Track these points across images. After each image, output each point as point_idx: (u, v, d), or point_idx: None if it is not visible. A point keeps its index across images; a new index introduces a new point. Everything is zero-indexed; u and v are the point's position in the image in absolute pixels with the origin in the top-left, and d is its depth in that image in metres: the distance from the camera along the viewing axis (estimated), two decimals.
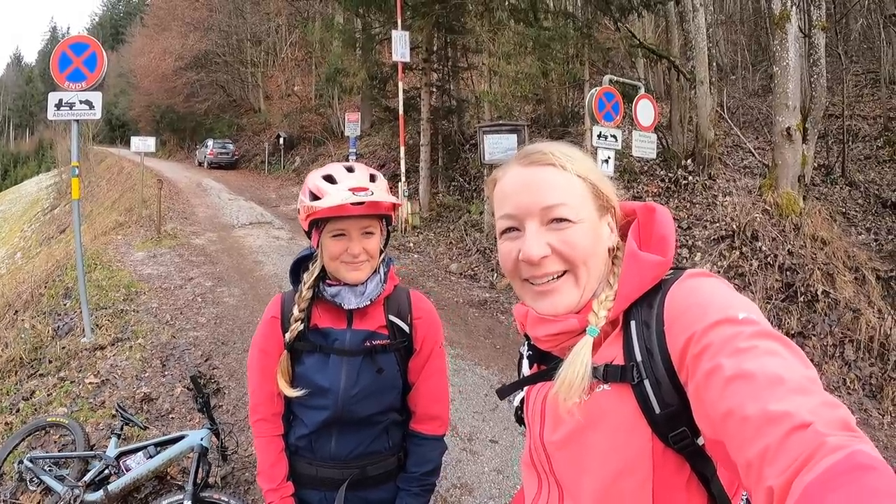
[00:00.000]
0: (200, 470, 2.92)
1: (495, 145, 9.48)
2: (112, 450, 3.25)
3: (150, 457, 3.14)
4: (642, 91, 8.28)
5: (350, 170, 1.52)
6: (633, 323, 0.84)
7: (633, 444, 0.80)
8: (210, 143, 27.59)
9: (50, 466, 3.41)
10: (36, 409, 4.54)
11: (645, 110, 7.82)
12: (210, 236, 11.49)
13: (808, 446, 0.57)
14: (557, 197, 0.88)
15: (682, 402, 0.76)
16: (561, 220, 0.88)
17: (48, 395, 4.72)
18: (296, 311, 1.55)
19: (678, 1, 9.28)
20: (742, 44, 15.13)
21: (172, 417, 4.38)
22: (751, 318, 0.72)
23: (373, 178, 1.52)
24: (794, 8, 6.74)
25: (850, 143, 9.22)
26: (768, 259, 6.44)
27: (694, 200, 8.52)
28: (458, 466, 3.73)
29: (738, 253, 6.63)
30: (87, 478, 3.17)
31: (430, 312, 1.70)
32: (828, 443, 0.56)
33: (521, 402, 1.10)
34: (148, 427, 4.04)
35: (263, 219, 13.72)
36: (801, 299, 5.93)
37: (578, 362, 0.83)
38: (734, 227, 6.86)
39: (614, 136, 7.31)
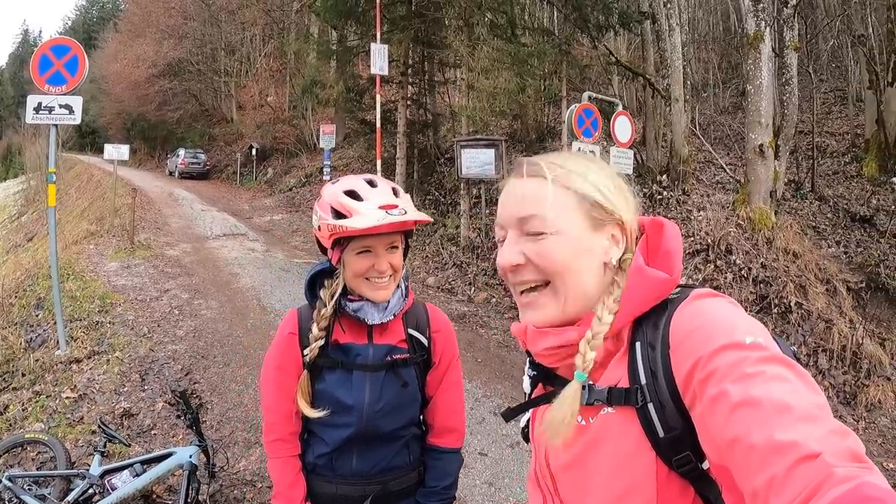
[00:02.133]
0: (190, 488, 2.87)
1: (472, 160, 9.50)
2: (95, 468, 3.17)
3: (137, 475, 3.06)
4: (620, 108, 8.44)
5: (371, 184, 1.48)
6: (638, 344, 0.83)
7: (637, 468, 0.79)
8: (181, 152, 27.10)
9: (30, 485, 3.30)
10: (11, 425, 4.40)
11: (622, 127, 7.96)
12: (184, 247, 11.31)
13: (815, 477, 0.56)
14: (531, 209, 0.88)
15: (686, 426, 0.75)
16: (536, 232, 0.88)
17: (23, 410, 4.59)
18: (315, 329, 1.52)
19: (654, 20, 9.50)
20: (713, 62, 15.52)
21: (154, 433, 4.28)
22: (758, 343, 0.71)
23: (396, 193, 1.48)
24: (767, 29, 6.96)
25: (819, 159, 9.52)
26: (742, 272, 6.60)
27: (669, 215, 8.68)
28: None
29: (712, 266, 6.77)
30: (70, 497, 3.08)
31: (447, 325, 1.70)
32: (836, 474, 0.55)
33: (527, 421, 1.09)
34: (131, 444, 3.94)
35: (237, 230, 13.57)
36: (775, 311, 6.08)
37: (565, 407, 0.83)
38: (709, 241, 7.01)
39: (593, 152, 7.42)
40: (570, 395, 0.84)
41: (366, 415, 1.53)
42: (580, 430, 0.84)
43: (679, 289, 0.87)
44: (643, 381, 0.80)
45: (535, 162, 0.93)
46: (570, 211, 0.88)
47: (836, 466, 0.56)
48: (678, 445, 0.76)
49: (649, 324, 0.83)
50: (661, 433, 0.77)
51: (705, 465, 0.75)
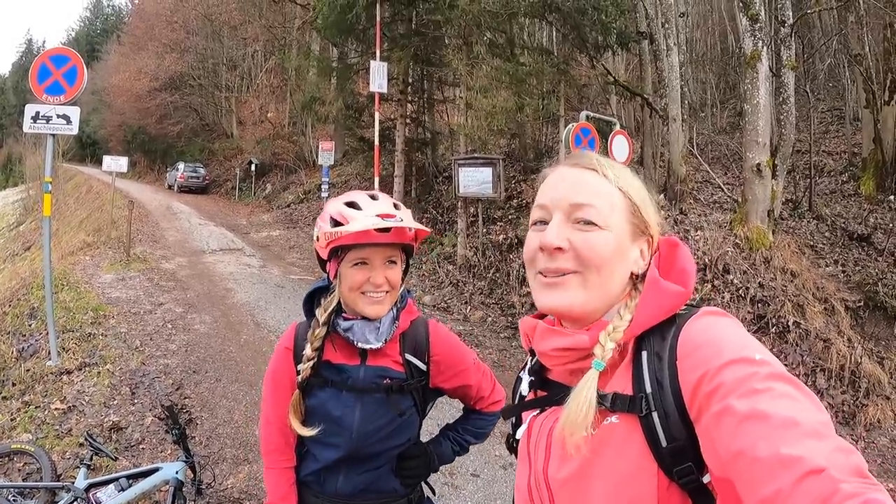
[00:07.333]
0: None
1: (470, 178, 9.50)
2: (81, 481, 3.11)
3: (122, 490, 3.00)
4: (617, 127, 8.46)
5: (374, 197, 1.47)
6: (644, 353, 0.83)
7: (639, 478, 0.78)
8: (181, 166, 27.16)
9: (14, 496, 3.25)
10: None
11: (620, 146, 7.96)
12: (180, 261, 11.27)
13: (821, 492, 0.57)
14: (588, 197, 0.89)
15: (689, 437, 0.75)
16: (587, 221, 0.88)
17: (11, 420, 4.53)
18: (308, 350, 1.48)
19: (652, 40, 9.57)
20: (711, 82, 15.62)
21: (143, 448, 4.22)
22: (766, 360, 0.72)
23: (397, 206, 1.46)
24: (765, 48, 7.00)
25: (817, 177, 9.53)
26: (740, 291, 6.57)
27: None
28: (440, 501, 3.66)
29: (710, 286, 6.74)
30: None
31: (450, 349, 1.62)
32: (842, 489, 0.56)
33: (513, 431, 1.08)
34: (118, 458, 3.88)
35: (234, 245, 13.53)
36: (773, 330, 6.05)
37: (583, 396, 0.82)
38: (706, 260, 6.98)
39: None
40: (587, 383, 0.83)
41: (356, 437, 1.50)
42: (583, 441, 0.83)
43: (685, 307, 0.88)
44: (648, 389, 0.80)
45: (591, 156, 0.96)
46: (620, 213, 0.91)
47: (842, 482, 0.57)
48: (680, 456, 0.76)
49: (656, 335, 0.84)
50: (663, 443, 0.77)
51: (706, 479, 0.76)
